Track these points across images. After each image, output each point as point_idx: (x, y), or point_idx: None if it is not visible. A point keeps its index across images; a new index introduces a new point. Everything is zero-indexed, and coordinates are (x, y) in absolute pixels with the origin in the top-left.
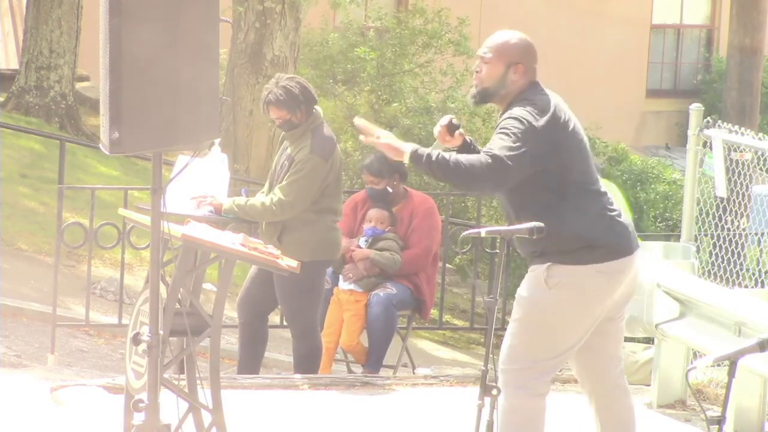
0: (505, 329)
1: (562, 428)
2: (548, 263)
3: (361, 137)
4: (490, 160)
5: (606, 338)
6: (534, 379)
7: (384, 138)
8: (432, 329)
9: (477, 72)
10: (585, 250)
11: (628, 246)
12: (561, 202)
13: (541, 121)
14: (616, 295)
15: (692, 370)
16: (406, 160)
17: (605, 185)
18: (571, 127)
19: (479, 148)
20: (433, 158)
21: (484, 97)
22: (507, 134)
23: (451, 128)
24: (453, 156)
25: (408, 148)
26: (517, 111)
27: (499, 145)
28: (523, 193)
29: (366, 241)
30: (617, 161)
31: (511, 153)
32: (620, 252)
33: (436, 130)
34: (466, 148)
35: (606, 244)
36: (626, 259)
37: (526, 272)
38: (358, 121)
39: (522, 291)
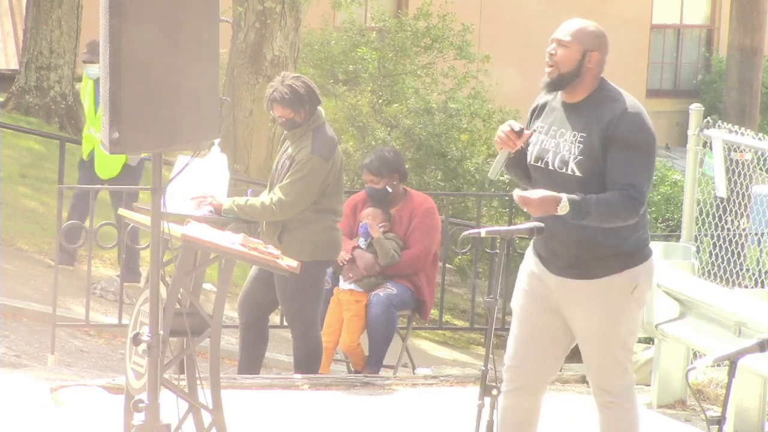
0: (506, 329)
1: (559, 428)
2: (624, 270)
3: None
4: (635, 197)
5: None
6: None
7: (536, 197)
8: (432, 329)
9: (551, 54)
10: (644, 250)
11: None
12: None
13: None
14: None
15: (692, 370)
16: (565, 209)
17: None
18: None
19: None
20: (591, 207)
21: (558, 83)
22: (640, 156)
23: (520, 133)
24: (598, 198)
25: (563, 196)
26: (639, 120)
27: (635, 169)
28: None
29: (365, 240)
30: None
31: (647, 179)
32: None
33: (502, 135)
34: (521, 151)
35: (648, 244)
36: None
37: None
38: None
39: (599, 312)
